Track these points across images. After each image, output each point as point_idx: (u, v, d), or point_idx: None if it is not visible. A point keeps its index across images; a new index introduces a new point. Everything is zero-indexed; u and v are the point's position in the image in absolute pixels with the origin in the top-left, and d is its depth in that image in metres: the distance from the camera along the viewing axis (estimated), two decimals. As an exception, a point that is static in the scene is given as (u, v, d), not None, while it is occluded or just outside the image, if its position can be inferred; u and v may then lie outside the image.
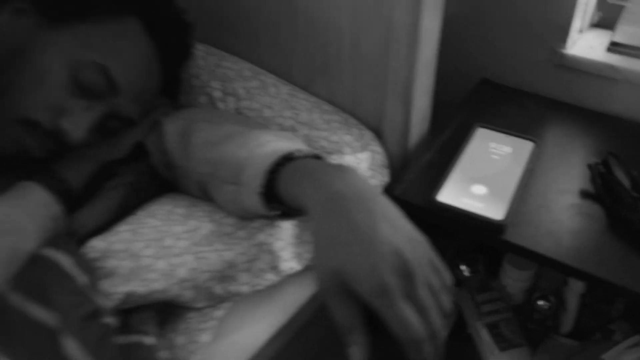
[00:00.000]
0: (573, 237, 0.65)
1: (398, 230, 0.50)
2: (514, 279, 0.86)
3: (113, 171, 0.75)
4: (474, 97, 0.93)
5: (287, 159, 0.60)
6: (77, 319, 0.54)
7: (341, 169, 0.57)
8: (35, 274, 0.56)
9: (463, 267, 0.90)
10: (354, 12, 0.74)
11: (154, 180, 0.75)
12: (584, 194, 0.70)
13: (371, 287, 0.47)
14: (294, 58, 0.85)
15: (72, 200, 0.68)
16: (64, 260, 0.58)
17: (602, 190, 0.68)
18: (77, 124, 0.66)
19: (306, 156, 0.61)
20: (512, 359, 0.81)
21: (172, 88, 0.83)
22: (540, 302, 0.84)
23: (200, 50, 0.89)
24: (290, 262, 0.67)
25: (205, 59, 0.87)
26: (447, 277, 0.52)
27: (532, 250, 0.64)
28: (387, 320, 0.47)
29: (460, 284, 0.91)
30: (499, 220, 0.65)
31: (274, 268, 0.66)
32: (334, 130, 0.78)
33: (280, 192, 0.59)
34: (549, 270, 0.85)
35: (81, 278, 0.57)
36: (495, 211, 0.66)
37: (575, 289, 0.81)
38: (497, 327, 0.83)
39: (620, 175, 0.68)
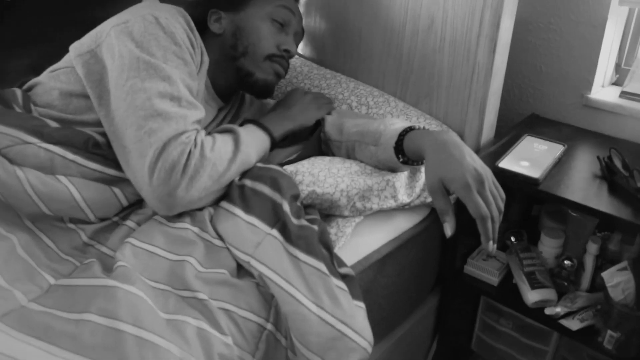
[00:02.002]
0: (585, 193, 1.05)
1: (476, 161, 0.91)
2: (548, 246, 1.22)
3: (295, 135, 1.20)
4: (525, 123, 1.35)
5: (410, 129, 1.03)
6: (289, 196, 0.94)
7: (445, 130, 0.99)
8: (270, 174, 0.96)
9: (512, 238, 1.28)
10: (452, 56, 1.20)
11: (319, 145, 1.20)
12: (594, 175, 1.10)
13: (460, 184, 0.86)
14: (409, 86, 1.31)
15: (273, 145, 1.13)
16: (282, 169, 1.02)
17: (605, 170, 1.08)
18: (291, 44, 1.15)
19: (419, 128, 1.04)
20: (541, 295, 1.15)
21: None
22: (567, 262, 1.20)
23: (343, 79, 1.37)
24: (403, 196, 1.08)
25: (347, 84, 1.35)
26: (502, 192, 0.92)
27: (558, 195, 1.03)
28: (467, 204, 0.86)
29: (509, 249, 1.28)
30: (537, 178, 1.05)
31: (394, 197, 1.06)
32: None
33: (405, 147, 1.01)
34: (573, 241, 1.22)
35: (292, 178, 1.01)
36: (534, 173, 1.06)
37: (591, 251, 1.16)
38: (533, 274, 1.18)
39: (617, 162, 1.08)
